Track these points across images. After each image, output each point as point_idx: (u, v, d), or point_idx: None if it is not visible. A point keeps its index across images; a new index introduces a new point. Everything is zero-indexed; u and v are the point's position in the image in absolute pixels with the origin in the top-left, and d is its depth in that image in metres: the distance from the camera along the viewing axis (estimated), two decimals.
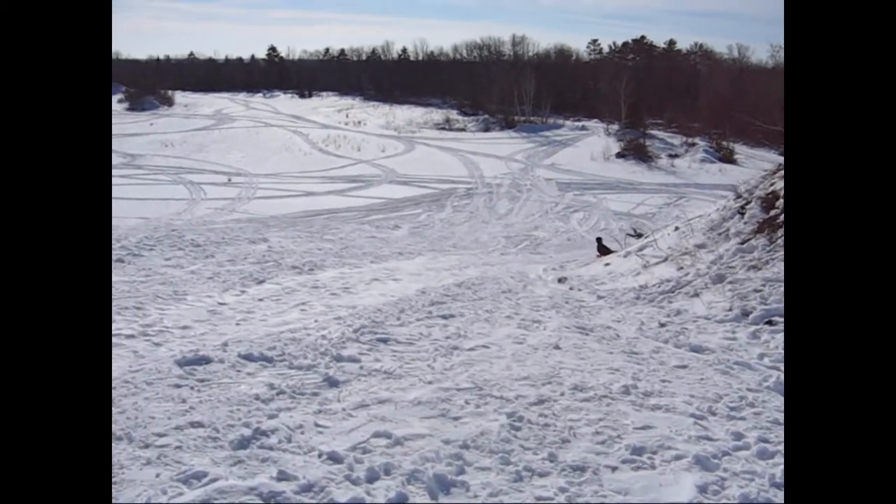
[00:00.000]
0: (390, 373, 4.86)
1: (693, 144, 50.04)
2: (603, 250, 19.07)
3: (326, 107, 71.70)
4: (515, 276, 11.85)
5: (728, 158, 47.14)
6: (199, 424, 3.60)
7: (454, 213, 31.39)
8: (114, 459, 3.12)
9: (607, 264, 12.70)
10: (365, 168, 41.23)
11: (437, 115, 62.94)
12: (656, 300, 9.13)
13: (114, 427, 3.48)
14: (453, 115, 63.04)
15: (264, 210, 27.26)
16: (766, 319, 7.44)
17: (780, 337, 6.91)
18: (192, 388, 4.19)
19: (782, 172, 11.00)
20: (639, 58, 74.07)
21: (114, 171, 34.89)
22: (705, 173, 44.05)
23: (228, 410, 3.84)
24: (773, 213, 10.24)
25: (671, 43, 77.50)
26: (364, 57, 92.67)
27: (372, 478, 3.23)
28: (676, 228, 11.97)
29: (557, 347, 6.04)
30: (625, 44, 78.83)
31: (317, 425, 3.77)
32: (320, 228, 20.45)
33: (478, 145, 51.03)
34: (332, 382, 4.52)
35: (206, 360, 4.70)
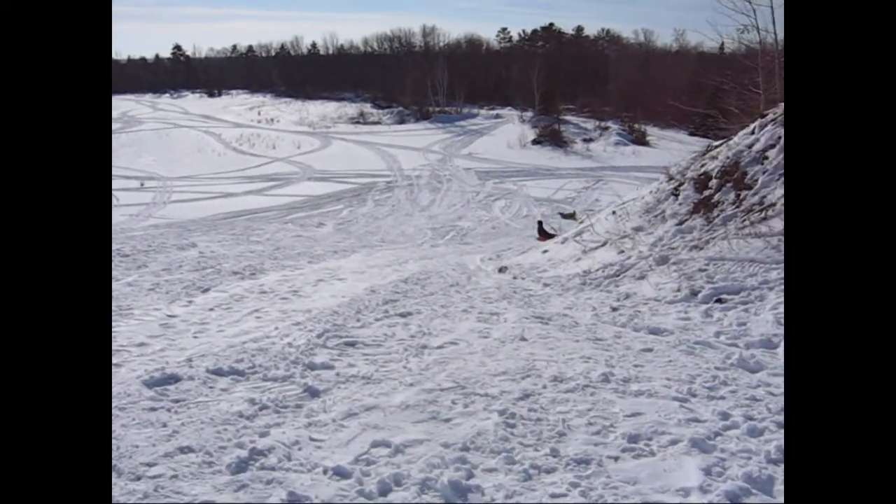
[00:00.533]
0: (368, 377, 4.73)
1: (606, 128, 51.21)
2: (544, 234, 19.89)
3: (237, 105, 69.95)
4: (456, 268, 11.82)
5: (641, 140, 48.47)
6: (188, 449, 3.39)
7: (376, 207, 31.21)
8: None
9: (545, 251, 12.80)
10: (281, 166, 40.54)
11: (351, 109, 62.36)
12: (602, 285, 9.23)
13: None
14: (367, 108, 62.62)
15: (182, 214, 26.41)
16: (716, 298, 7.62)
17: (732, 314, 7.10)
18: (168, 409, 3.95)
19: (712, 153, 11.30)
20: (548, 45, 75.16)
21: None
22: (620, 156, 45.16)
23: (215, 431, 3.64)
24: (706, 193, 10.52)
25: (579, 29, 79.11)
26: (273, 53, 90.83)
27: (384, 490, 3.11)
28: (614, 213, 12.14)
29: (524, 339, 6.02)
30: (534, 31, 79.95)
31: (312, 439, 3.62)
32: (244, 230, 20.00)
33: (394, 138, 50.87)
34: (313, 392, 4.36)
35: (174, 379, 4.45)
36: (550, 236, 18.75)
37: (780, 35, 15.21)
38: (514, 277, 10.70)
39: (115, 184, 33.06)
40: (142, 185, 33.15)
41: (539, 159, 44.47)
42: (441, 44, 76.20)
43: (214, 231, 19.09)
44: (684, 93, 56.11)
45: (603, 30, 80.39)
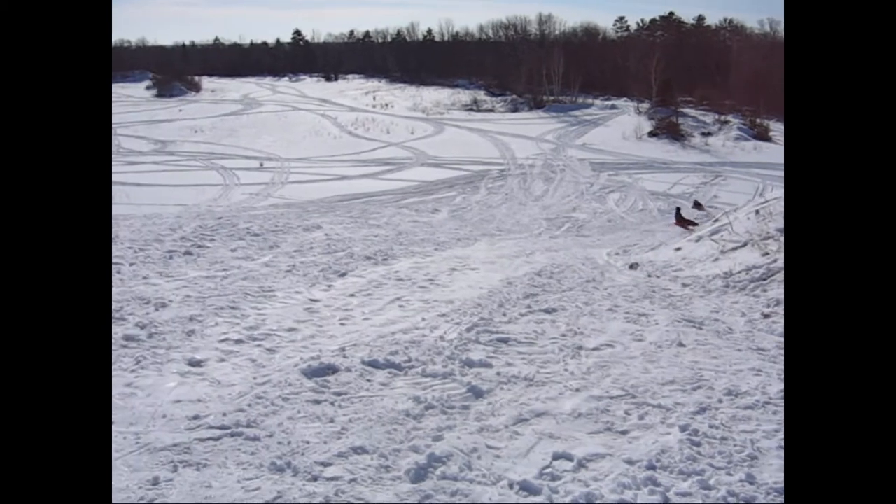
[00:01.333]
0: (530, 379, 4.48)
1: (726, 122, 49.07)
2: (682, 220, 19.57)
3: (353, 89, 70.91)
4: (585, 262, 11.40)
5: (763, 136, 46.18)
6: (361, 450, 3.22)
7: (489, 195, 30.90)
8: (283, 497, 2.76)
9: (678, 249, 12.19)
10: (395, 150, 40.80)
11: (465, 96, 62.15)
12: (748, 288, 8.65)
13: (271, 455, 3.11)
14: (481, 95, 62.25)
15: (299, 195, 26.91)
16: None
17: None
18: (332, 403, 3.82)
19: None
20: (667, 35, 72.65)
21: (146, 158, 34.80)
22: (740, 151, 43.18)
23: (385, 431, 3.46)
24: None
25: (700, 19, 76.06)
26: (389, 39, 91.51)
27: None
28: (756, 212, 11.41)
29: (681, 345, 5.63)
30: (652, 20, 77.46)
31: (489, 447, 3.39)
32: (361, 213, 20.12)
33: (507, 126, 50.39)
34: (477, 392, 4.14)
35: (332, 369, 4.32)
36: (688, 222, 18.69)
37: None
38: (649, 275, 10.20)
39: (235, 163, 34.24)
40: (261, 165, 33.98)
41: (655, 152, 43.06)
42: (557, 32, 75.05)
43: (333, 213, 19.28)
44: None
45: (725, 19, 77.26)
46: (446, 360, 4.67)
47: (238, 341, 4.80)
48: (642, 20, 79.29)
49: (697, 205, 27.75)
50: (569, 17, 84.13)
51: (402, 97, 64.33)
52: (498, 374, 4.51)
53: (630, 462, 3.35)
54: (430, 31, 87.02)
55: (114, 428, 3.28)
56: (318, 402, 3.79)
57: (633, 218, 27.55)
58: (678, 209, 21.62)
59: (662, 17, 76.23)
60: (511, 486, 3.01)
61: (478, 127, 49.75)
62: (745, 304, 7.86)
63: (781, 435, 3.80)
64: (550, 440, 3.54)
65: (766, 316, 7.33)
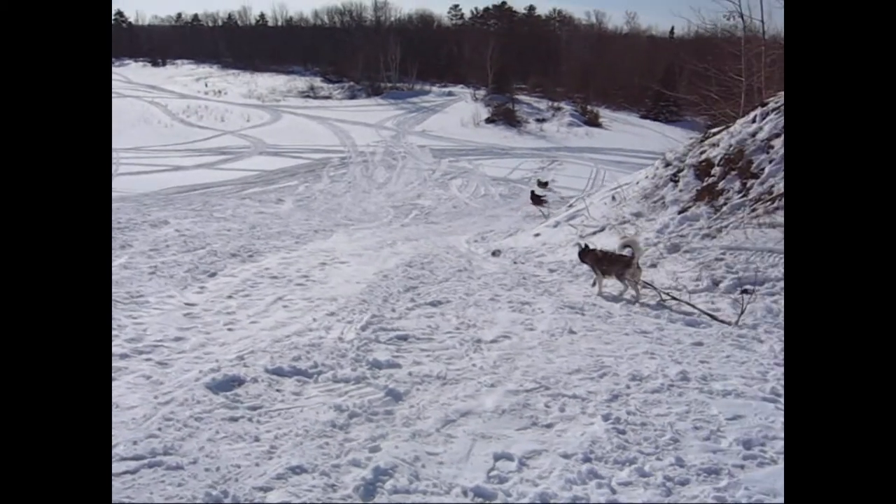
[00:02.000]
0: (443, 377, 4.40)
1: (559, 109, 51.28)
2: (536, 200, 23.04)
3: (183, 76, 67.31)
4: (449, 251, 11.47)
5: (594, 122, 48.70)
6: (299, 469, 3.00)
7: (332, 183, 30.50)
8: None
9: (537, 234, 12.56)
10: (231, 139, 39.34)
11: (301, 82, 60.87)
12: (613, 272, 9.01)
13: (202, 484, 2.83)
14: (317, 82, 61.20)
15: (133, 187, 25.19)
16: (741, 288, 7.47)
17: (761, 305, 6.97)
18: (249, 419, 3.54)
19: (712, 140, 11.18)
20: (500, 23, 74.70)
21: None
22: (574, 136, 45.27)
23: (317, 446, 3.25)
24: (708, 180, 10.40)
25: (531, 8, 78.75)
26: (220, 23, 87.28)
27: None
28: (613, 198, 11.93)
29: (573, 332, 5.78)
30: (486, 9, 79.23)
31: (429, 454, 3.27)
32: (203, 205, 19.24)
33: (345, 113, 49.94)
34: (396, 396, 4.01)
35: (237, 381, 4.03)
36: (542, 201, 22.58)
37: (770, 23, 15.23)
38: (514, 262, 10.42)
39: None
40: None
41: (493, 138, 44.25)
42: (392, 19, 75.04)
43: (172, 206, 18.29)
44: (636, 75, 56.98)
45: (555, 10, 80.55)
46: (353, 363, 4.49)
47: (123, 356, 4.35)
48: (476, 9, 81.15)
49: (542, 183, 29.87)
50: (404, 4, 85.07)
51: (236, 84, 61.96)
52: (410, 374, 4.40)
53: (566, 456, 3.36)
54: (262, 16, 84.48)
55: None
56: (234, 419, 3.51)
57: (476, 203, 28.13)
58: (532, 191, 24.47)
59: (495, 6, 78.24)
60: (465, 493, 2.92)
61: (316, 114, 48.94)
62: (613, 287, 8.18)
63: (692, 416, 3.98)
64: (484, 441, 3.48)
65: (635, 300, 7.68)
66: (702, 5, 42.08)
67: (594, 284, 8.20)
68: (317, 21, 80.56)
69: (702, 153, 11.02)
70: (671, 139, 41.89)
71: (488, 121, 47.58)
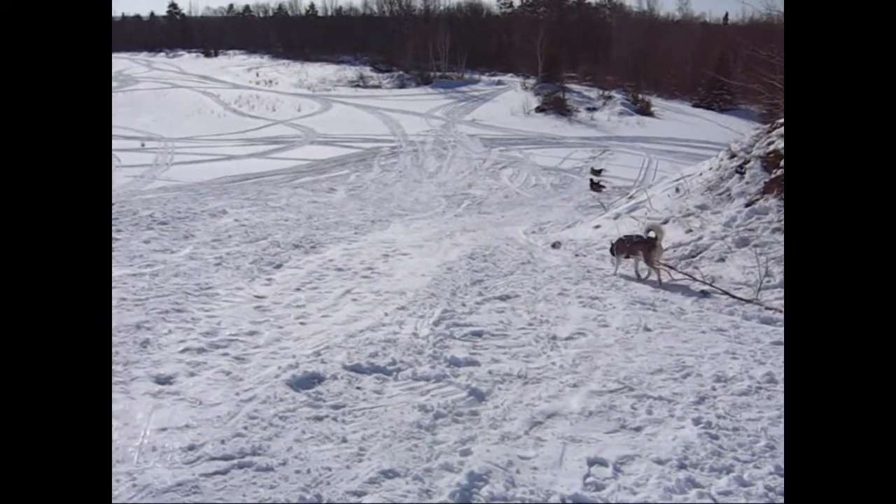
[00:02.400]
0: (524, 376, 4.30)
1: (610, 97, 50.51)
2: (595, 187, 24.42)
3: (235, 66, 67.99)
4: (508, 243, 11.36)
5: (645, 111, 47.87)
6: (392, 473, 2.93)
7: (383, 172, 30.52)
8: None
9: (597, 226, 12.33)
10: (283, 129, 39.61)
11: (351, 72, 60.97)
12: (679, 266, 8.80)
13: (294, 487, 2.78)
14: (367, 71, 61.24)
15: (188, 176, 25.56)
16: None
17: None
18: (334, 419, 3.49)
19: (780, 131, 10.81)
20: (550, 11, 73.73)
21: None
22: (625, 126, 44.55)
23: (406, 448, 3.19)
24: (777, 173, 10.04)
25: None
26: (270, 13, 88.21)
27: None
28: (677, 190, 11.64)
29: (648, 329, 5.63)
30: None
31: (521, 458, 3.18)
32: (256, 194, 19.42)
33: (395, 102, 49.93)
34: (479, 395, 3.93)
35: (317, 378, 3.98)
36: (600, 188, 24.18)
37: None
38: (576, 255, 10.24)
39: (114, 143, 32.18)
40: (143, 145, 32.06)
41: (543, 127, 43.80)
42: (441, 8, 74.76)
43: (227, 195, 18.47)
44: (688, 63, 55.84)
45: None
46: (431, 360, 4.42)
47: (200, 350, 4.34)
48: None
49: (595, 171, 30.32)
50: None
51: (287, 73, 62.40)
52: (490, 372, 4.31)
53: (660, 462, 3.24)
54: (312, 6, 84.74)
55: None
56: (319, 418, 3.45)
57: (528, 193, 27.89)
58: (591, 178, 26.22)
59: None
60: (564, 501, 2.82)
61: (365, 103, 49.04)
62: (682, 283, 7.98)
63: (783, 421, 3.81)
64: (575, 444, 3.37)
65: (705, 294, 7.46)
66: None
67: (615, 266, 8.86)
68: (366, 10, 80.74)
69: (769, 144, 10.66)
70: (725, 129, 41.01)
71: (538, 110, 47.10)
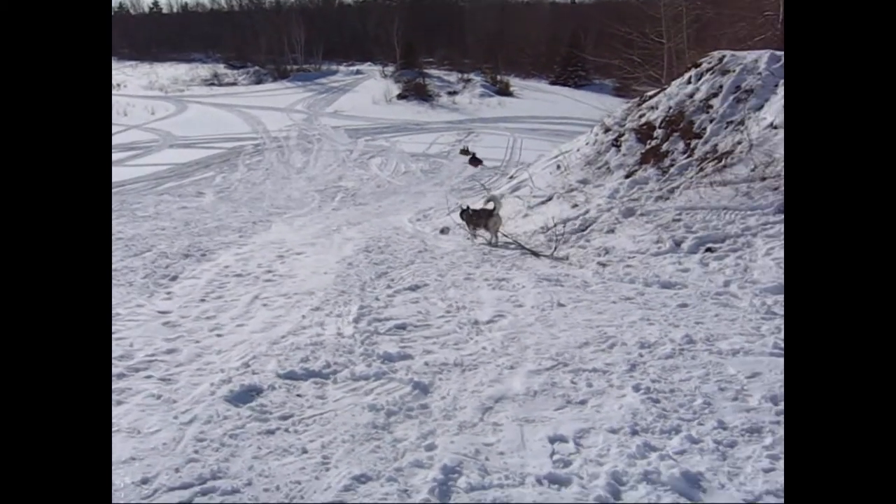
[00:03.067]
0: (460, 364, 4.32)
1: (469, 80, 51.29)
2: (475, 161, 26.16)
3: None
4: (398, 232, 11.36)
5: (505, 91, 48.93)
6: (364, 478, 2.87)
7: (249, 172, 29.73)
8: None
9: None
10: (138, 134, 37.72)
11: (204, 70, 58.67)
12: (571, 240, 9.09)
13: None
14: (221, 69, 59.12)
15: None
16: (705, 247, 7.62)
17: (729, 262, 7.14)
18: (287, 430, 3.36)
19: (650, 103, 11.33)
20: None
21: None
22: (486, 107, 45.41)
23: (370, 451, 3.12)
24: (651, 143, 10.57)
25: None
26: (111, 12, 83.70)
27: (615, 492, 2.83)
28: (558, 167, 11.97)
29: (562, 305, 5.79)
30: None
31: (486, 445, 3.20)
32: (120, 204, 18.42)
33: (253, 99, 48.70)
34: (423, 388, 3.91)
35: (255, 391, 3.83)
36: (479, 162, 26.14)
37: None
38: (467, 238, 10.36)
39: None
40: None
41: (406, 114, 43.94)
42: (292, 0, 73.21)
43: None
44: (542, 43, 57.49)
45: None
46: (365, 358, 4.35)
47: (120, 375, 4.06)
48: None
49: (465, 151, 31.50)
50: None
51: (135, 75, 59.29)
52: (426, 364, 4.29)
53: (614, 431, 3.35)
54: (156, 3, 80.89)
55: None
56: (270, 431, 3.32)
57: (399, 181, 27.94)
58: (473, 154, 28.76)
59: None
60: (540, 481, 2.85)
61: (223, 102, 47.54)
62: (577, 255, 8.24)
63: (713, 378, 4.03)
64: (531, 425, 3.42)
65: (602, 265, 7.74)
66: None
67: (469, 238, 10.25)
68: (214, 5, 78.00)
69: (641, 116, 11.18)
70: (582, 103, 42.52)
71: (400, 97, 47.22)
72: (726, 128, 9.55)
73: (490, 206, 9.76)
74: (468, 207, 10.32)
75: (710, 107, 9.93)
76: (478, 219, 9.99)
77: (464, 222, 10.36)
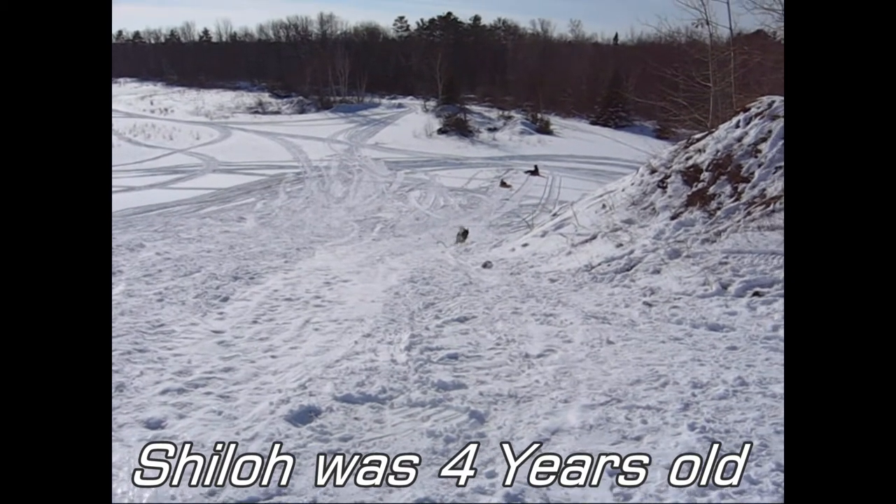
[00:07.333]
0: (514, 395, 4.35)
1: (510, 117, 51.70)
2: (504, 185, 28.72)
3: (126, 94, 65.54)
4: (441, 265, 11.43)
5: (545, 129, 49.20)
6: (428, 502, 2.90)
7: (290, 199, 30.20)
8: None
9: (525, 245, 12.57)
10: (182, 158, 38.60)
11: (249, 98, 60.02)
12: (615, 279, 9.09)
13: None
14: (265, 97, 60.45)
15: None
16: (753, 291, 7.57)
17: (776, 305, 7.07)
18: (347, 452, 3.41)
19: (697, 146, 11.34)
20: (446, 34, 74.88)
21: None
22: (526, 145, 45.64)
23: (429, 476, 3.15)
24: (698, 186, 10.55)
25: (476, 19, 79.25)
26: (163, 39, 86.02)
27: None
28: (603, 206, 12.00)
29: (611, 342, 5.77)
30: (431, 20, 79.41)
31: (539, 475, 3.20)
32: (163, 226, 18.84)
33: (296, 128, 49.52)
34: (479, 417, 3.94)
35: (314, 412, 3.89)
36: (507, 186, 29.09)
37: (735, 28, 15.57)
38: (512, 273, 10.40)
39: None
40: None
41: (446, 149, 44.37)
42: (339, 32, 74.60)
43: (133, 227, 17.80)
44: (584, 82, 57.83)
45: (499, 20, 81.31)
46: (420, 385, 4.40)
47: (181, 391, 4.17)
48: (422, 20, 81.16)
49: (503, 184, 32.84)
50: (350, 17, 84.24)
51: (182, 101, 60.76)
52: (480, 393, 4.33)
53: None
54: (206, 32, 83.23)
55: None
56: (336, 452, 3.38)
57: (438, 215, 28.13)
58: (502, 180, 31.61)
59: (441, 17, 78.45)
60: None
61: (266, 130, 48.44)
62: (622, 295, 8.23)
63: (768, 420, 3.99)
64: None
65: (648, 305, 7.72)
66: (666, 13, 43.28)
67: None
68: (262, 36, 79.83)
69: (688, 159, 11.18)
70: (622, 144, 42.53)
71: (440, 131, 47.70)
72: (774, 172, 9.51)
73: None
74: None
75: (759, 151, 9.91)
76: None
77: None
